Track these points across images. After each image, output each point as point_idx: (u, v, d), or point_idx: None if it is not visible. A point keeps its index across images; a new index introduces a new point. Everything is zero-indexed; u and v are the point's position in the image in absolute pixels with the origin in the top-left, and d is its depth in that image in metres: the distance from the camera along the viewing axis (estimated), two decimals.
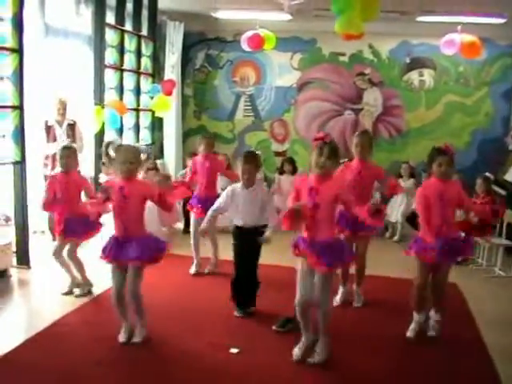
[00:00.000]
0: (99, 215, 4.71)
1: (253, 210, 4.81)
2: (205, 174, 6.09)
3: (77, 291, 5.28)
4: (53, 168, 6.56)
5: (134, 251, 4.11)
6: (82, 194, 5.26)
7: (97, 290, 5.32)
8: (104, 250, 4.21)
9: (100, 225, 5.18)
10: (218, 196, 5.42)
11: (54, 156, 6.46)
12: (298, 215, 3.79)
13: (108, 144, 4.27)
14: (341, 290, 5.33)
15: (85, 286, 5.34)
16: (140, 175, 4.40)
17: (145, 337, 4.32)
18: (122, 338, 4.32)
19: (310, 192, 3.87)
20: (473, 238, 4.71)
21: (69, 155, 5.14)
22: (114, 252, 4.16)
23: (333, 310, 4.11)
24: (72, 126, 6.82)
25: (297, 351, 4.11)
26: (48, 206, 5.15)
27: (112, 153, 4.20)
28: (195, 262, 6.24)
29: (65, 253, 5.26)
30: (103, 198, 4.18)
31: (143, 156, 4.44)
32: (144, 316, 4.36)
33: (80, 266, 5.33)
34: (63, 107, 6.74)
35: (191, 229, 6.29)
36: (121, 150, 4.24)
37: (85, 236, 5.21)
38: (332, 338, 4.13)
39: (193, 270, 6.20)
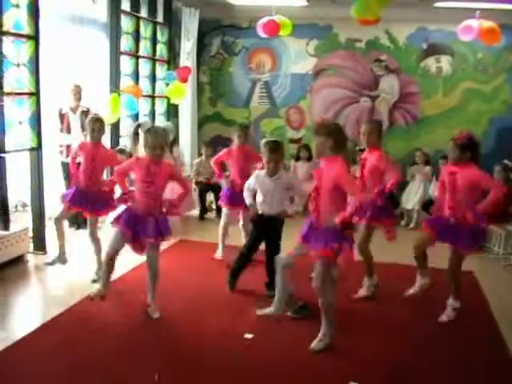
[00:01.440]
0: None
1: (274, 199, 4.89)
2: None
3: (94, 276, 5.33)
4: (67, 155, 6.61)
5: (153, 229, 4.38)
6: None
7: (113, 276, 5.32)
8: (121, 220, 4.42)
9: (112, 207, 5.26)
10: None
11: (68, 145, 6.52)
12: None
13: (138, 125, 4.46)
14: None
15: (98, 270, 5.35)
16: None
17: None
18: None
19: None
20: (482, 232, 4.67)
21: (100, 128, 5.19)
22: (133, 226, 4.37)
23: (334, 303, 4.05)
24: (86, 113, 6.82)
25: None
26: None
27: (141, 133, 4.41)
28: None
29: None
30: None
31: (171, 136, 4.70)
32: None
33: (98, 249, 5.33)
34: (79, 92, 6.74)
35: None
36: (151, 135, 4.35)
37: (92, 213, 5.26)
38: (347, 326, 4.13)
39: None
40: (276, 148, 4.85)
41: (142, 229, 4.37)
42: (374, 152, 5.02)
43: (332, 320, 4.04)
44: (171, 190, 4.74)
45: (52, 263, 5.59)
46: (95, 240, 5.32)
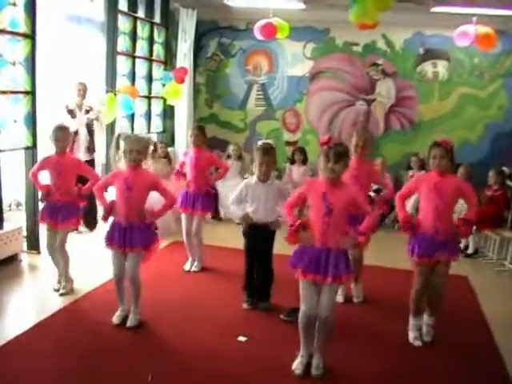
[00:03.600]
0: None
1: (269, 205, 4.71)
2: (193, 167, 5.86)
3: (61, 290, 5.03)
4: (71, 150, 6.57)
5: (136, 239, 4.27)
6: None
7: (107, 277, 5.26)
8: (108, 237, 4.34)
9: (80, 217, 5.11)
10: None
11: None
12: (304, 228, 3.71)
13: (119, 136, 4.36)
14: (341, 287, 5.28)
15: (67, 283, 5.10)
16: (148, 162, 4.48)
17: (138, 324, 4.39)
18: (116, 319, 4.44)
19: (324, 197, 3.67)
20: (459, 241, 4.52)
21: (64, 137, 4.91)
22: (118, 238, 4.28)
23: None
24: (88, 112, 6.84)
25: (299, 366, 3.86)
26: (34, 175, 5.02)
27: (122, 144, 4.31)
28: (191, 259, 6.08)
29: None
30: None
31: (151, 147, 4.50)
32: (139, 304, 4.46)
33: (66, 261, 5.07)
34: (83, 89, 6.75)
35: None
36: (127, 140, 4.29)
37: (62, 224, 4.92)
38: (339, 333, 4.10)
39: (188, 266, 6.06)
40: (268, 150, 4.70)
41: (127, 239, 4.28)
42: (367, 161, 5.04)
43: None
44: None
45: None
46: (63, 252, 5.04)
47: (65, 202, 4.89)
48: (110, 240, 4.32)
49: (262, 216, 4.73)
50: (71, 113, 6.67)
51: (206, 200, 5.87)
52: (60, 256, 5.04)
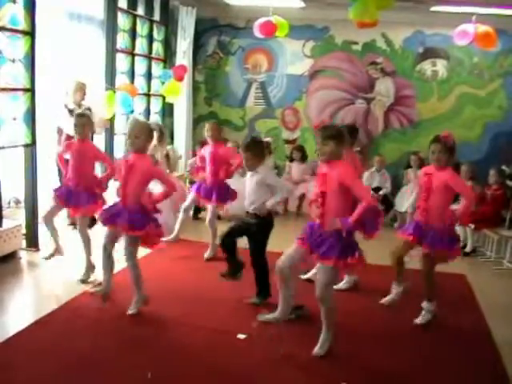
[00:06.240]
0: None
1: (250, 194, 4.81)
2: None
3: (80, 276, 5.23)
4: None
5: (129, 222, 4.35)
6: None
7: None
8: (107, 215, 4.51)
9: (102, 202, 5.15)
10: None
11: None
12: None
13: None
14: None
15: (87, 269, 5.27)
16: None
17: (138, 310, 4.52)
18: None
19: (321, 178, 3.88)
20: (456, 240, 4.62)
21: (84, 123, 5.05)
22: (114, 218, 4.41)
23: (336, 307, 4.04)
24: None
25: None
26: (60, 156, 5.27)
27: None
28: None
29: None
30: None
31: (155, 133, 4.60)
32: (140, 289, 4.54)
33: (87, 244, 5.25)
34: (83, 89, 6.72)
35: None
36: (128, 125, 4.35)
37: (84, 210, 5.10)
38: (339, 329, 4.12)
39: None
40: (247, 146, 4.80)
41: (121, 221, 4.37)
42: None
43: (333, 325, 4.02)
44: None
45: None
46: (84, 237, 5.23)
47: (84, 189, 5.03)
48: (107, 218, 4.46)
49: (248, 204, 4.86)
50: (71, 113, 6.63)
51: (221, 192, 6.11)
52: (81, 239, 5.23)
